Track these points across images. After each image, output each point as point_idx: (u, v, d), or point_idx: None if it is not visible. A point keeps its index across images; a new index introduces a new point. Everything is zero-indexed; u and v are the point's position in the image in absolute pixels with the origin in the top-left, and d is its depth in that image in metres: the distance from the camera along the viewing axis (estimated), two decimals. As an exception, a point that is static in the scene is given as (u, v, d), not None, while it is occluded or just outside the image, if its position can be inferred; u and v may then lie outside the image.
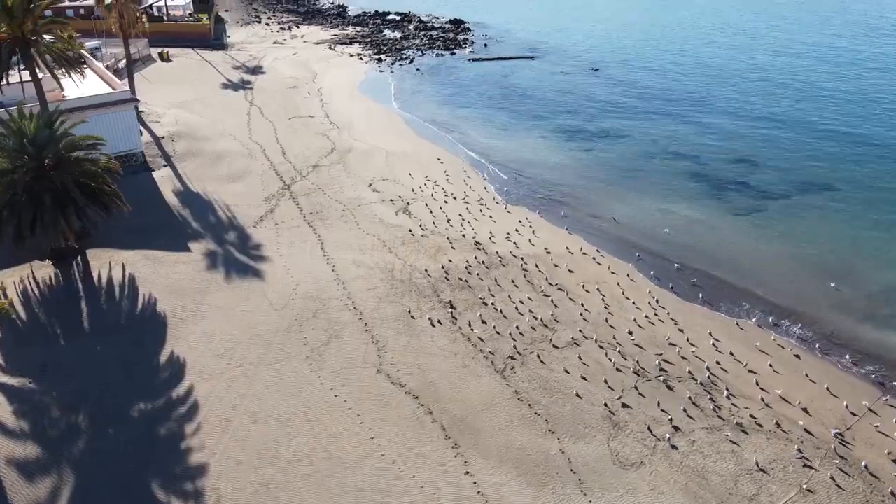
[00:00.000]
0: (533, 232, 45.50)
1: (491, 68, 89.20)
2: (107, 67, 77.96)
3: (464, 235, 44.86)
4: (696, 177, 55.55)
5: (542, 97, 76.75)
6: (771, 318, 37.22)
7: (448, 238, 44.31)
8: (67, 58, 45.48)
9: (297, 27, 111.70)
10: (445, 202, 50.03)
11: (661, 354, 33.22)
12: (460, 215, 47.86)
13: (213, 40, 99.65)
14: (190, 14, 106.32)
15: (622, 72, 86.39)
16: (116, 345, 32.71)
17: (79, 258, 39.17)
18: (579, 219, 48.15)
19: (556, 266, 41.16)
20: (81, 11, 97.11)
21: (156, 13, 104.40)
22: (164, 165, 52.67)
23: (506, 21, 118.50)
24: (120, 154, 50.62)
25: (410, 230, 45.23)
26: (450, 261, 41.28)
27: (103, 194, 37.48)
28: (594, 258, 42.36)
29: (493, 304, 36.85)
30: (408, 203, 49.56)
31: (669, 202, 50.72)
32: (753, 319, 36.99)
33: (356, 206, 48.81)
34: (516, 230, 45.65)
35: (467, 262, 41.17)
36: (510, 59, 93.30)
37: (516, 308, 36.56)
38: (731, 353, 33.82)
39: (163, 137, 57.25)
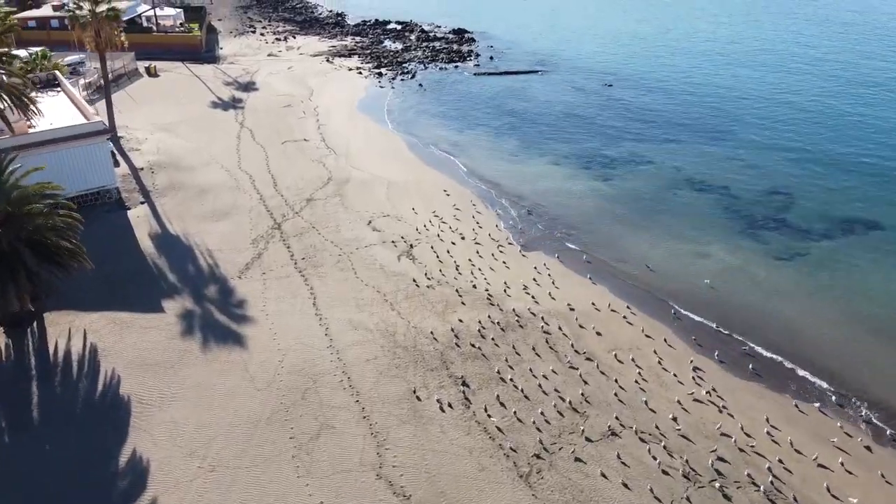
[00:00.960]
0: (553, 282, 40.39)
1: (497, 83, 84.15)
2: (89, 84, 73.35)
3: (475, 286, 39.76)
4: (728, 212, 50.39)
5: (553, 116, 71.65)
6: (834, 397, 32.09)
7: (457, 290, 39.20)
8: (19, 93, 40.34)
9: (294, 37, 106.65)
10: (453, 244, 44.94)
11: (713, 450, 28.08)
12: (470, 260, 42.76)
13: (204, 52, 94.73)
14: (181, 24, 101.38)
15: (637, 88, 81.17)
16: (69, 442, 27.60)
17: (35, 324, 34.10)
18: (604, 265, 43.02)
19: (581, 327, 36.02)
20: (66, 21, 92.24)
21: (145, 24, 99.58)
22: (142, 202, 47.53)
23: (511, 31, 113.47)
24: (91, 191, 45.79)
25: (415, 280, 40.13)
26: (460, 320, 36.16)
27: (61, 252, 32.41)
28: (625, 317, 37.22)
29: (511, 379, 31.72)
30: (411, 245, 44.47)
31: (703, 244, 45.58)
32: (814, 400, 31.80)
33: (354, 249, 43.72)
34: (534, 280, 40.53)
35: (480, 322, 36.05)
36: (517, 73, 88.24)
37: (539, 385, 31.41)
38: (794, 446, 28.70)
39: (142, 169, 52.12)
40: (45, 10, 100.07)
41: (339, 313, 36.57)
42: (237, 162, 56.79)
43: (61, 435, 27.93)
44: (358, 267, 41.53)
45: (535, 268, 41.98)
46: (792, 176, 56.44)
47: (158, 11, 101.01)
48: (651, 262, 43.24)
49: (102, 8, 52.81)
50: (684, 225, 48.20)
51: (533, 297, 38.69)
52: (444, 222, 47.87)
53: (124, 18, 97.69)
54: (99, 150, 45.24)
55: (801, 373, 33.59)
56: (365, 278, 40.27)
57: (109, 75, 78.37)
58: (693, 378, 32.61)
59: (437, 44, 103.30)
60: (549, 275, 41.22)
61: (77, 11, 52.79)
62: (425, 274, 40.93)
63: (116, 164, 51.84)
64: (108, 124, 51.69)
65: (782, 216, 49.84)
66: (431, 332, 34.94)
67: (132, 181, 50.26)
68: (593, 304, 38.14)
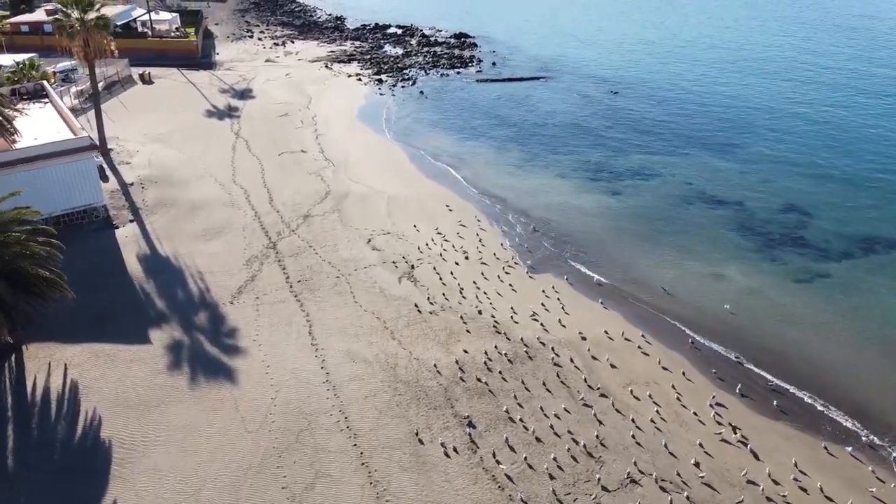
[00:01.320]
0: (563, 307, 38.29)
1: (500, 90, 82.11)
2: (81, 92, 71.28)
3: (480, 312, 37.66)
4: (744, 230, 48.29)
5: (558, 126, 69.57)
6: (864, 437, 30.01)
7: (461, 316, 37.11)
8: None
9: (292, 42, 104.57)
10: (457, 264, 42.87)
11: (740, 501, 25.97)
12: (475, 283, 40.67)
13: (200, 58, 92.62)
14: (177, 29, 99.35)
15: (644, 96, 79.12)
16: (45, 492, 25.50)
17: (13, 357, 32.02)
18: (616, 288, 40.91)
19: (594, 359, 33.92)
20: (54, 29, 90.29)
21: (140, 28, 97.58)
22: (131, 220, 45.42)
23: (514, 35, 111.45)
24: (78, 209, 43.72)
25: (416, 305, 38.03)
26: (465, 351, 34.04)
27: (40, 283, 30.33)
28: (639, 346, 35.11)
29: (521, 419, 29.61)
30: (412, 266, 42.39)
31: (718, 265, 43.50)
32: (844, 442, 29.70)
33: (352, 270, 41.64)
34: (542, 305, 38.43)
35: (486, 353, 33.95)
36: (521, 79, 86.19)
37: (551, 426, 29.30)
38: (825, 493, 26.64)
39: (131, 184, 50.00)
40: (39, 15, 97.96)
41: (337, 343, 34.48)
42: (232, 175, 54.71)
43: (38, 484, 25.83)
44: (357, 290, 39.45)
45: (544, 291, 39.89)
46: (807, 191, 54.31)
47: (154, 16, 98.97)
48: (666, 284, 41.15)
49: (91, 16, 50.58)
50: (698, 244, 46.10)
51: (542, 324, 36.58)
52: (446, 240, 45.80)
53: (119, 23, 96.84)
54: (85, 166, 43.16)
55: (828, 411, 31.49)
56: (364, 303, 38.18)
57: (102, 82, 76.92)
58: (714, 416, 30.51)
59: (438, 49, 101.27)
60: (558, 299, 39.12)
61: (64, 20, 50.53)
62: (428, 298, 38.84)
63: (105, 178, 49.81)
64: (95, 139, 49.60)
65: (799, 234, 47.75)
66: (434, 365, 32.85)
67: (121, 197, 48.15)
68: (606, 332, 36.05)
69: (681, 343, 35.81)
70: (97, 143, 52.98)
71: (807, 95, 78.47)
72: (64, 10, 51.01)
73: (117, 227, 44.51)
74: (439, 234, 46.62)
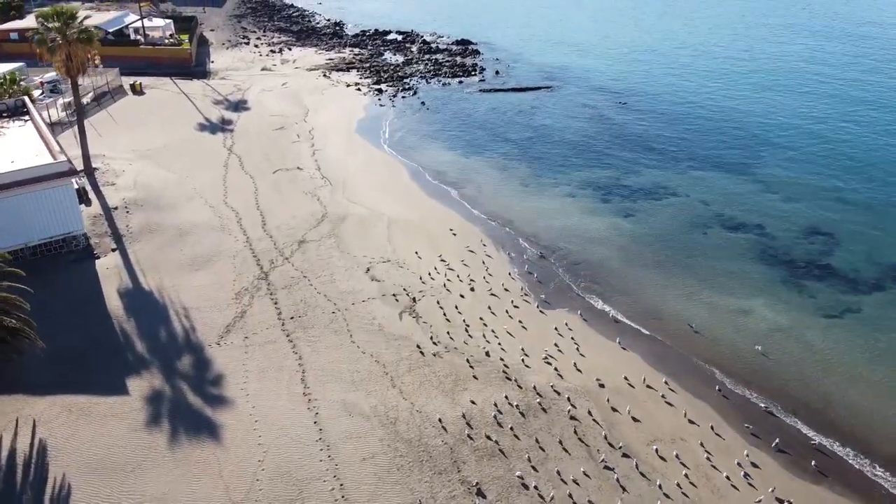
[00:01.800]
0: (577, 348, 35.38)
1: (505, 101, 79.26)
2: (68, 104, 68.28)
3: (488, 354, 34.73)
4: (766, 257, 45.39)
5: (566, 141, 66.68)
6: (918, 504, 27.16)
7: (468, 359, 34.17)
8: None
9: (290, 49, 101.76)
10: (462, 297, 39.99)
11: (785, 589, 23.14)
12: (481, 319, 37.78)
13: (194, 67, 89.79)
14: (171, 35, 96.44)
15: (654, 108, 76.22)
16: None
17: (-26, 412, 29.17)
18: (635, 325, 37.97)
19: (614, 411, 31.00)
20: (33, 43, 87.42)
21: (132, 36, 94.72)
22: (113, 249, 42.47)
23: (517, 42, 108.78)
24: (56, 238, 40.83)
25: (419, 346, 35.10)
26: (472, 402, 31.13)
27: (4, 333, 27.44)
28: (663, 395, 32.16)
29: (536, 486, 26.67)
30: (414, 299, 39.50)
31: (743, 298, 40.57)
32: (896, 509, 26.90)
33: (350, 304, 38.74)
34: (555, 345, 35.51)
35: (496, 404, 31.02)
36: (525, 90, 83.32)
37: (570, 495, 26.35)
38: (880, 576, 23.79)
39: (115, 208, 47.04)
40: (29, 21, 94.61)
41: (332, 392, 31.57)
42: (223, 196, 51.81)
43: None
44: (354, 328, 36.54)
45: (556, 329, 36.99)
46: (830, 212, 51.35)
47: (147, 23, 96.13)
48: (689, 319, 38.25)
49: (74, 29, 47.66)
50: (720, 273, 43.17)
51: (556, 369, 33.66)
52: (450, 269, 42.95)
53: (111, 30, 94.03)
54: (63, 193, 40.26)
55: (874, 473, 28.59)
56: (362, 343, 35.27)
57: (91, 94, 74.20)
58: (748, 479, 27.60)
59: (439, 56, 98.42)
60: (572, 338, 36.22)
61: (45, 33, 47.60)
62: (431, 337, 35.93)
63: (88, 202, 46.93)
64: (75, 163, 46.60)
65: (826, 262, 44.84)
66: (440, 420, 29.92)
67: (104, 223, 45.21)
68: (626, 378, 33.11)
69: (708, 390, 32.89)
70: (81, 163, 50.21)
71: (822, 110, 75.21)
72: (44, 22, 48.02)
73: (98, 257, 41.57)
74: (443, 261, 43.78)
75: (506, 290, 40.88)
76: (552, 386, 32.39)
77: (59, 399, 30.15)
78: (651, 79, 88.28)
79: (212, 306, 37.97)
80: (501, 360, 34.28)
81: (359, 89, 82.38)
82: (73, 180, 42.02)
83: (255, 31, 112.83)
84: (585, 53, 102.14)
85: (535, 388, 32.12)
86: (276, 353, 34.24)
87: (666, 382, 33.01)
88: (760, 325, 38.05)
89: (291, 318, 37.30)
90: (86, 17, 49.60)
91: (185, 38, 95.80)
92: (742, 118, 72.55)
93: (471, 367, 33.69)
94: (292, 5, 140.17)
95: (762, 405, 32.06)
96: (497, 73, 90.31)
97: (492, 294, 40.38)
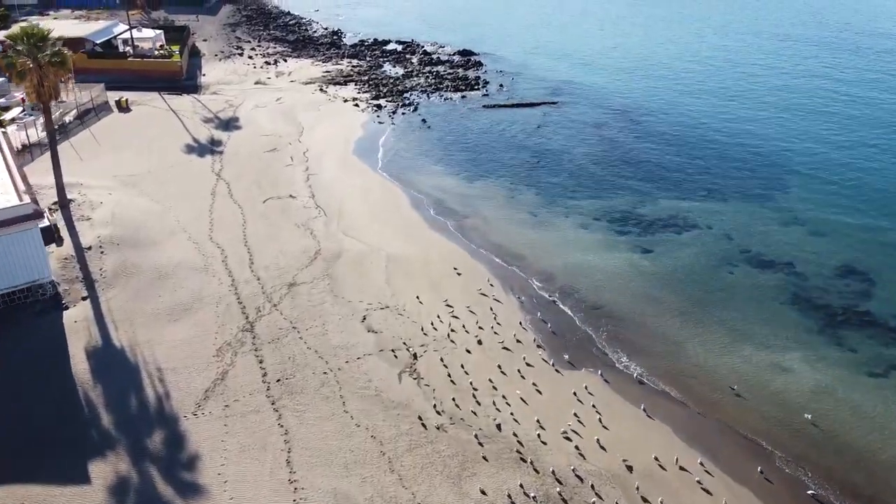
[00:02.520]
0: (599, 418, 31.42)
1: (509, 118, 75.35)
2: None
3: (499, 427, 30.79)
4: (799, 301, 41.53)
5: (574, 163, 62.81)
6: None
7: (476, 434, 30.22)
8: None
9: (285, 61, 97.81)
10: (468, 352, 36.09)
11: None
12: (490, 381, 33.85)
13: (184, 80, 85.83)
14: (161, 46, 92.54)
15: (666, 126, 72.45)
16: None
17: None
18: (663, 387, 34.05)
19: (645, 502, 27.08)
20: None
21: (121, 47, 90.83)
22: (84, 298, 38.44)
23: (521, 52, 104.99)
24: (20, 287, 36.89)
25: (420, 417, 31.15)
26: (483, 492, 27.17)
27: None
28: (698, 480, 28.26)
29: None
30: (415, 355, 35.59)
31: (779, 351, 36.71)
32: None
33: (343, 362, 34.82)
34: (575, 415, 31.57)
35: (510, 495, 27.06)
36: (531, 105, 79.46)
37: None
38: None
39: (89, 248, 43.00)
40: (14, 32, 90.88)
41: (321, 479, 27.63)
42: (209, 229, 47.87)
43: None
44: (348, 393, 32.61)
45: (575, 393, 33.06)
46: (862, 249, 47.42)
47: (136, 33, 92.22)
48: (722, 379, 34.49)
49: (47, 52, 43.72)
50: (752, 322, 39.26)
51: (577, 447, 29.72)
52: (455, 317, 39.07)
53: (99, 41, 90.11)
54: (28, 238, 36.26)
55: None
56: (356, 413, 31.33)
57: (74, 111, 70.30)
58: None
59: (441, 68, 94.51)
60: (593, 405, 32.27)
61: (14, 57, 43.66)
62: (434, 405, 32.00)
63: (59, 241, 42.94)
64: (48, 195, 42.81)
65: (864, 307, 40.99)
66: (446, 515, 26.06)
67: (75, 266, 41.18)
68: (656, 458, 29.20)
69: (749, 471, 28.99)
70: (55, 193, 46.30)
71: (847, 133, 70.45)
72: (12, 44, 44.13)
73: (67, 307, 37.55)
74: (447, 306, 39.91)
75: (518, 341, 36.99)
76: (573, 469, 28.46)
77: (10, 491, 26.20)
78: (661, 93, 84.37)
79: (190, 366, 34.01)
80: (514, 434, 30.35)
81: (357, 105, 78.46)
82: (44, 218, 37.98)
83: (249, 42, 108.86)
84: (592, 65, 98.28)
85: (553, 472, 28.19)
86: (259, 427, 30.31)
87: (701, 463, 29.06)
88: (803, 385, 34.19)
89: (278, 380, 33.38)
90: (59, 40, 45.52)
91: (176, 48, 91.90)
92: (760, 141, 68.52)
93: (479, 444, 29.78)
94: (289, 13, 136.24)
95: (811, 489, 28.18)
96: (501, 86, 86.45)
97: (503, 347, 36.52)
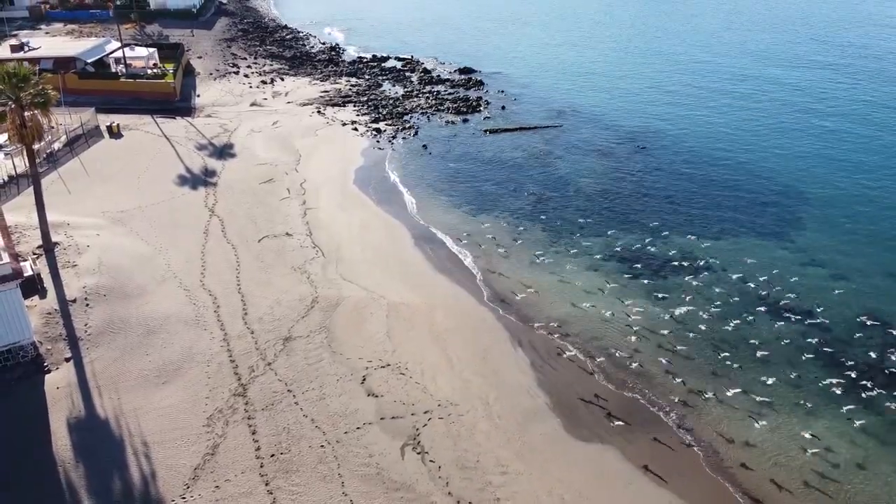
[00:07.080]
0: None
1: (512, 143, 73.29)
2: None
3: (510, 512, 28.69)
4: (824, 357, 39.39)
5: (581, 194, 60.72)
6: None
7: (487, 522, 28.13)
8: None
9: (282, 79, 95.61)
10: (475, 424, 33.84)
11: None
12: (497, 458, 31.64)
13: (178, 101, 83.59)
14: (154, 65, 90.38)
15: (675, 154, 70.28)
16: None
17: None
18: (684, 465, 31.89)
19: None
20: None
21: (113, 67, 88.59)
22: (67, 359, 36.13)
23: (523, 69, 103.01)
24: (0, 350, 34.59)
25: None
26: None
27: None
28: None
29: None
30: (419, 426, 33.36)
31: (807, 420, 34.54)
32: None
33: (342, 433, 32.60)
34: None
35: None
36: (535, 128, 77.38)
37: None
38: None
39: (73, 301, 40.72)
40: (2, 52, 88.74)
41: (320, 580, 25.45)
42: (200, 274, 45.61)
43: None
44: (347, 472, 30.38)
45: (590, 469, 30.91)
46: (885, 296, 45.25)
47: (129, 52, 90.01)
48: (760, 456, 32.23)
49: (29, 92, 41.49)
50: (776, 385, 36.91)
51: (594, 539, 27.63)
52: (461, 378, 36.86)
53: (90, 60, 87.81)
54: (7, 298, 33.99)
55: None
56: (356, 497, 29.12)
57: (63, 137, 68.01)
58: None
59: (441, 88, 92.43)
60: (608, 483, 30.15)
61: (-7, 97, 41.44)
62: (443, 488, 29.78)
63: (43, 292, 40.69)
64: (32, 237, 40.52)
65: (888, 366, 38.78)
66: None
67: (59, 322, 38.87)
68: (681, 553, 27.09)
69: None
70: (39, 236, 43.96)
71: (867, 167, 67.16)
72: (-7, 85, 41.89)
73: (49, 370, 35.25)
74: (451, 366, 37.72)
75: (528, 411, 34.77)
76: (592, 568, 26.32)
77: None
78: (669, 117, 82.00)
79: (177, 438, 31.75)
80: (527, 522, 28.21)
81: (355, 129, 76.28)
82: (23, 276, 35.66)
83: (245, 59, 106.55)
84: (597, 85, 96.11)
85: (571, 572, 26.06)
86: (252, 516, 28.11)
87: (731, 559, 26.98)
88: (837, 460, 31.97)
89: (272, 455, 31.15)
90: (41, 78, 43.28)
91: (170, 66, 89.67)
92: (774, 170, 66.04)
93: (490, 534, 27.63)
94: (286, 26, 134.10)
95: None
96: (503, 108, 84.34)
97: (512, 414, 34.31)
